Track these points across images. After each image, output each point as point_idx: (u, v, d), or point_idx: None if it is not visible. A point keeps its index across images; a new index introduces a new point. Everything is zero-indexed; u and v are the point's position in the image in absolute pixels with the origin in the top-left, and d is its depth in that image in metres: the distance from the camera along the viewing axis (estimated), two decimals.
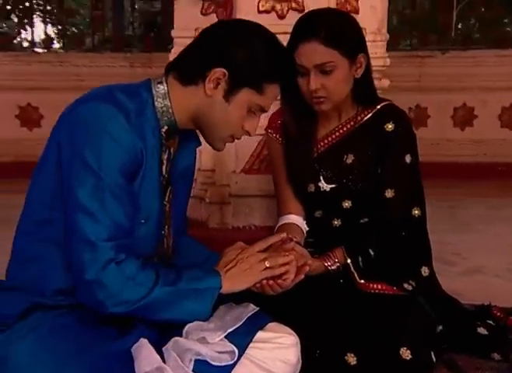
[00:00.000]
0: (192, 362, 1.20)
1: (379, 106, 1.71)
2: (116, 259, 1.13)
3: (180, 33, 2.61)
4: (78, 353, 1.07)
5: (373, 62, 2.48)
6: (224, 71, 1.24)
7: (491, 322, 1.73)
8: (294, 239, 1.63)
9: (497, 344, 1.64)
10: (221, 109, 1.27)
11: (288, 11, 2.31)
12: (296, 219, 1.77)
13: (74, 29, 5.61)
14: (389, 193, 1.66)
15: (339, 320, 1.47)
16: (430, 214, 1.75)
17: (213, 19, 2.57)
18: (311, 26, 1.58)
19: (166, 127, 1.29)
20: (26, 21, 5.67)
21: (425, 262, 1.72)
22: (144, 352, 1.12)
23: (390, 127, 1.67)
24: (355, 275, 1.60)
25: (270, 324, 1.32)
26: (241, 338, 1.24)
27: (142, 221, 1.27)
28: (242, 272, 1.31)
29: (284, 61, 1.32)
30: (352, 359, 1.40)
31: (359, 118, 1.71)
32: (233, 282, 1.29)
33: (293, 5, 2.29)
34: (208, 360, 1.20)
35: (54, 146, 1.20)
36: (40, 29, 6.45)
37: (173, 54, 2.52)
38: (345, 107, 1.71)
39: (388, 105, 1.72)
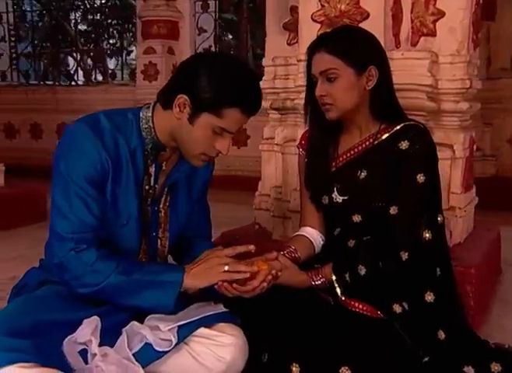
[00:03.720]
0: (142, 343, 1.43)
1: (399, 126, 1.68)
2: (76, 249, 1.41)
3: (269, 62, 2.82)
4: (29, 314, 1.33)
5: (452, 85, 2.43)
6: (185, 97, 1.42)
7: (498, 364, 1.61)
8: (282, 253, 1.73)
9: None
10: (187, 131, 1.46)
11: None
12: (311, 232, 1.83)
13: None
14: (393, 210, 1.63)
15: (296, 330, 1.52)
16: None
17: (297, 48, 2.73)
18: (323, 39, 1.70)
19: (150, 145, 1.53)
20: None
21: (431, 287, 1.65)
22: (86, 326, 1.36)
23: (404, 145, 1.63)
24: (338, 291, 1.63)
25: (220, 324, 1.48)
26: (184, 330, 1.44)
27: (125, 222, 1.53)
28: (203, 271, 1.47)
29: (243, 87, 1.43)
30: (296, 369, 1.44)
31: (378, 136, 1.71)
32: (193, 279, 1.45)
33: None
34: (153, 345, 1.41)
35: None
36: None
37: (263, 82, 2.73)
38: (365, 123, 1.73)
39: (409, 125, 1.68)
